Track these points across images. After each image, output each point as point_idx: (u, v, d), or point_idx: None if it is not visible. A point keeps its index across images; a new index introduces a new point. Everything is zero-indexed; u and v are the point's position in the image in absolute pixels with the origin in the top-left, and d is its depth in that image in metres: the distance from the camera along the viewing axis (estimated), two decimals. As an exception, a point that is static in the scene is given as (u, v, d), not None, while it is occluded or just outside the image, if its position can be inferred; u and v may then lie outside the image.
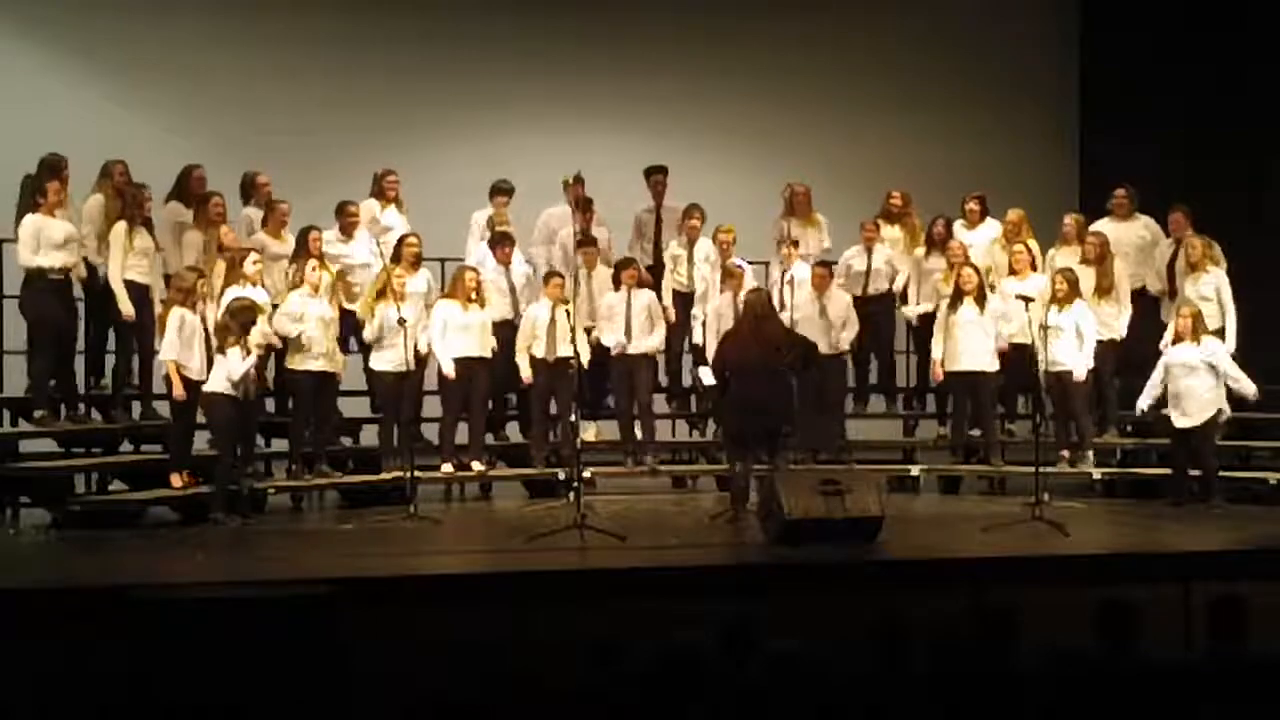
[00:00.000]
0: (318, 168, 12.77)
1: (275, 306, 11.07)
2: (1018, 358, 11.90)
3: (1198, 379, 11.12)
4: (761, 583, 8.54)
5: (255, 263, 10.92)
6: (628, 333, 12.25)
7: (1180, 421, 11.17)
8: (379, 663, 7.01)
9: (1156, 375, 11.32)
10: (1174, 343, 11.32)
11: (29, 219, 10.50)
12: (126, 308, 10.85)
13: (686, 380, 12.78)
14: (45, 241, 10.48)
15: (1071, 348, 11.82)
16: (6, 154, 11.54)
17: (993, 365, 12.08)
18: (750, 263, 12.67)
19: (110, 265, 10.82)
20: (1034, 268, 12.32)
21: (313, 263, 11.18)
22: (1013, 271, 12.29)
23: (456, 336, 11.72)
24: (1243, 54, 13.88)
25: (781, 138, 14.78)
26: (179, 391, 10.36)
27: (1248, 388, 11.22)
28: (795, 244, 12.47)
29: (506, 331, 12.12)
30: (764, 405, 10.39)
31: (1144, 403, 11.41)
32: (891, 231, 13.05)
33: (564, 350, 11.50)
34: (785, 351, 10.51)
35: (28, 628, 7.31)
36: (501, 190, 12.61)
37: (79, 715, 6.77)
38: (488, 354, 11.85)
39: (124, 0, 13.76)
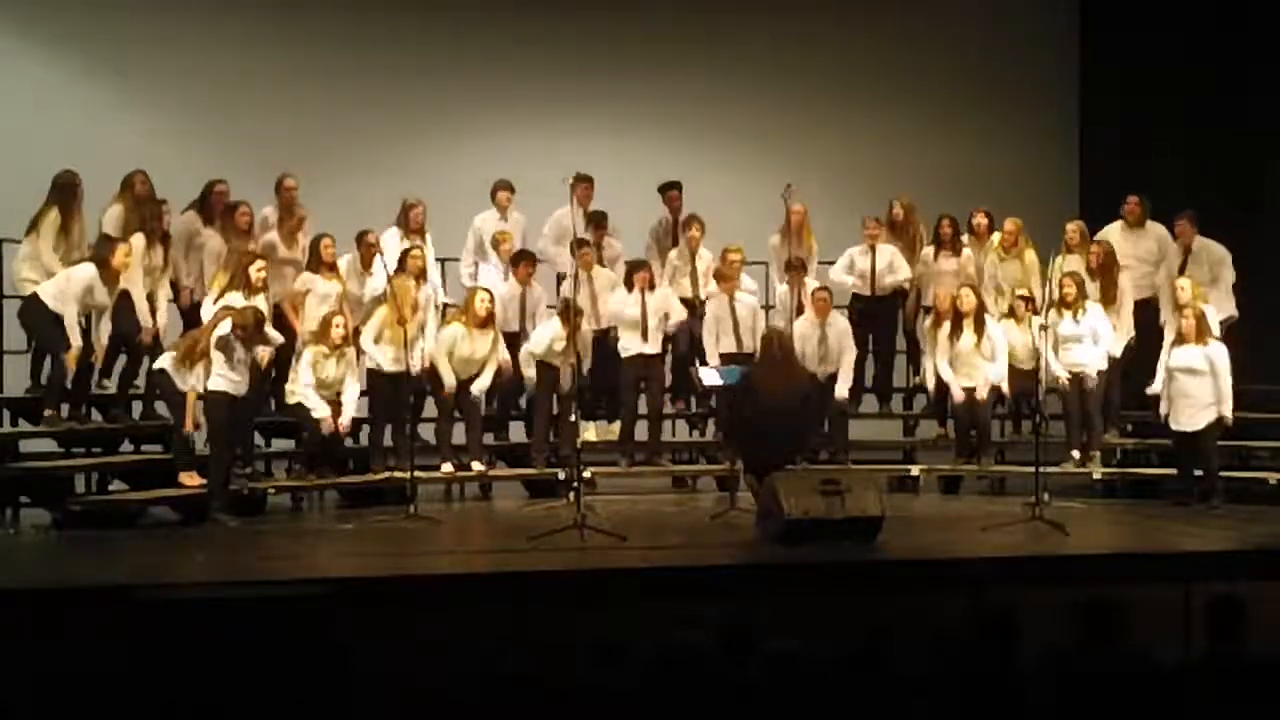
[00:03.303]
0: (319, 168, 12.75)
1: (276, 309, 11.07)
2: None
3: (1199, 381, 11.04)
4: (761, 583, 8.54)
5: (259, 270, 10.87)
6: (644, 335, 12.26)
7: (1180, 425, 11.09)
8: (379, 663, 7.02)
9: (1161, 371, 11.27)
10: (1176, 344, 11.25)
11: (86, 268, 10.37)
12: (146, 320, 10.95)
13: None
14: (71, 294, 10.33)
15: (1088, 349, 11.81)
16: (7, 154, 11.56)
17: (988, 386, 11.93)
18: (749, 263, 12.67)
19: (130, 277, 10.77)
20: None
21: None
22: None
23: (461, 364, 11.70)
24: (1243, 54, 13.87)
25: (781, 138, 14.78)
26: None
27: (1225, 408, 11.06)
28: (804, 266, 12.42)
29: (519, 342, 12.06)
30: (782, 440, 10.30)
31: (1154, 389, 11.35)
32: (893, 242, 12.98)
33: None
34: (803, 395, 10.46)
35: (28, 628, 7.33)
36: (504, 187, 12.57)
37: (79, 715, 6.77)
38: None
39: (125, 2, 13.77)
